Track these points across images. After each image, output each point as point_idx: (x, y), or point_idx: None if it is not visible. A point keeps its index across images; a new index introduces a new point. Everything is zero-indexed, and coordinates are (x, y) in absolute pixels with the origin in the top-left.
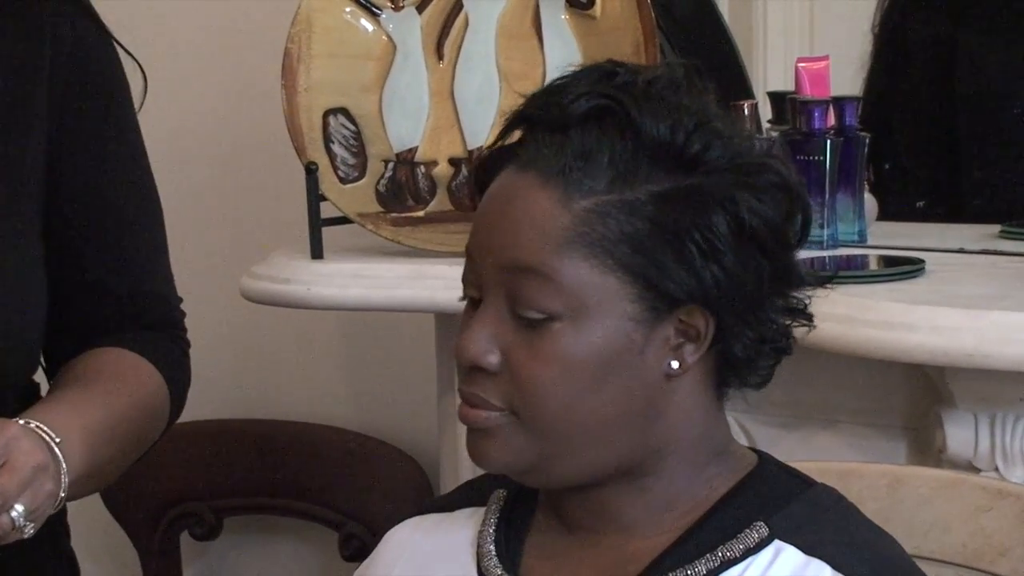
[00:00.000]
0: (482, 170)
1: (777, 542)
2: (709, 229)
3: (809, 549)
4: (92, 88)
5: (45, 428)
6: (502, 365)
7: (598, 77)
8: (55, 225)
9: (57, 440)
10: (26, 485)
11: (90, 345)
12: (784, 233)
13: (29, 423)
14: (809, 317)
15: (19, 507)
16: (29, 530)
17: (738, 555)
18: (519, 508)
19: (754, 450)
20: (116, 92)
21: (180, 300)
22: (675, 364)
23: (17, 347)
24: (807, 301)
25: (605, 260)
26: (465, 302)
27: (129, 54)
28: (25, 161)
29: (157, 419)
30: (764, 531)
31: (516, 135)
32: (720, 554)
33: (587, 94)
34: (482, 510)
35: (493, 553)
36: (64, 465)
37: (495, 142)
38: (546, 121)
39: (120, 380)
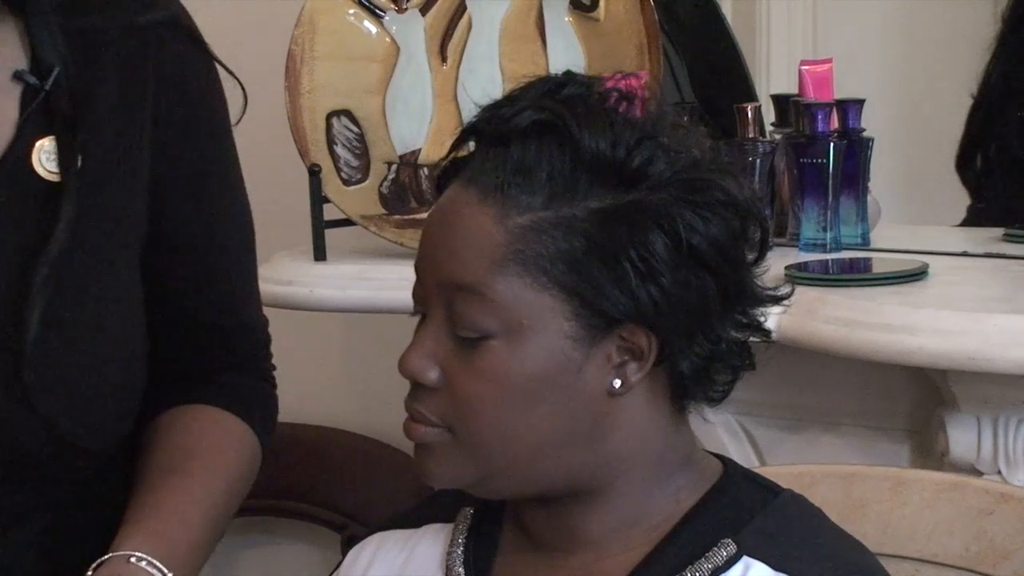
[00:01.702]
0: (439, 182)
1: (746, 559)
2: (645, 248)
3: (778, 564)
4: (194, 115)
5: (158, 565)
6: (441, 381)
7: (546, 90)
8: (153, 258)
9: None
10: None
11: (180, 389)
12: (732, 251)
13: (141, 560)
14: (767, 333)
15: None
16: None
17: (707, 575)
18: (486, 526)
19: (720, 457)
20: (217, 117)
21: (266, 322)
22: (617, 383)
23: (125, 393)
24: (762, 318)
25: (540, 278)
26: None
27: (231, 74)
28: (133, 196)
29: (248, 485)
30: (732, 548)
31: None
32: (689, 574)
33: (530, 108)
34: (449, 527)
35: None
36: None
37: (448, 154)
38: (490, 135)
39: (216, 460)
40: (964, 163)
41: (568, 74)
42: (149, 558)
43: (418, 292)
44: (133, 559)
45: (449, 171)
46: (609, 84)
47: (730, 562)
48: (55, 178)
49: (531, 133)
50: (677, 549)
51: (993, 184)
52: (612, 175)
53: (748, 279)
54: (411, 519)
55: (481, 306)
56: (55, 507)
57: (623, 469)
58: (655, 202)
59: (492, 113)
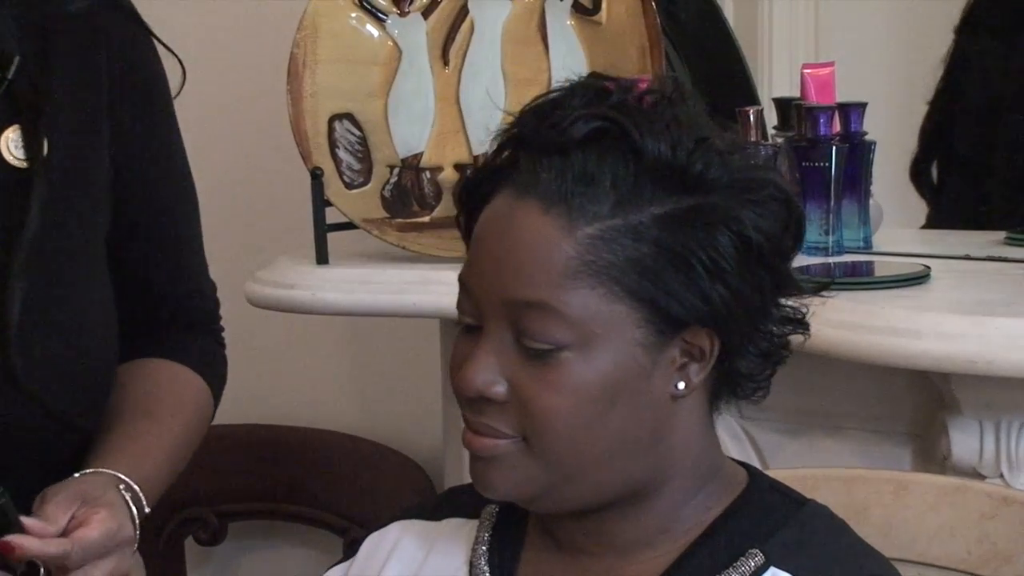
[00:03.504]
0: (471, 192)
1: (773, 569)
2: (715, 249)
3: (805, 575)
4: (143, 92)
5: (142, 498)
6: (509, 394)
7: (593, 96)
8: (114, 233)
9: (147, 511)
10: None
11: (138, 347)
12: (783, 245)
13: (128, 490)
14: (806, 326)
15: None
16: None
17: None
18: (511, 525)
19: (744, 465)
20: (161, 92)
21: (215, 287)
22: (681, 385)
23: (104, 365)
24: (804, 310)
25: (612, 287)
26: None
27: (169, 50)
28: (98, 181)
29: (201, 435)
30: (760, 559)
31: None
32: None
33: (585, 116)
34: (471, 523)
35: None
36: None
37: (487, 163)
38: (544, 144)
39: (178, 408)
40: (919, 173)
41: (605, 77)
42: (137, 489)
43: (468, 306)
44: (122, 487)
45: (486, 181)
46: (642, 86)
47: (758, 572)
48: (23, 165)
49: (591, 141)
50: (704, 557)
51: (951, 191)
52: (674, 179)
53: (790, 270)
54: (432, 510)
55: (554, 320)
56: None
57: (669, 475)
58: (719, 203)
59: (540, 122)
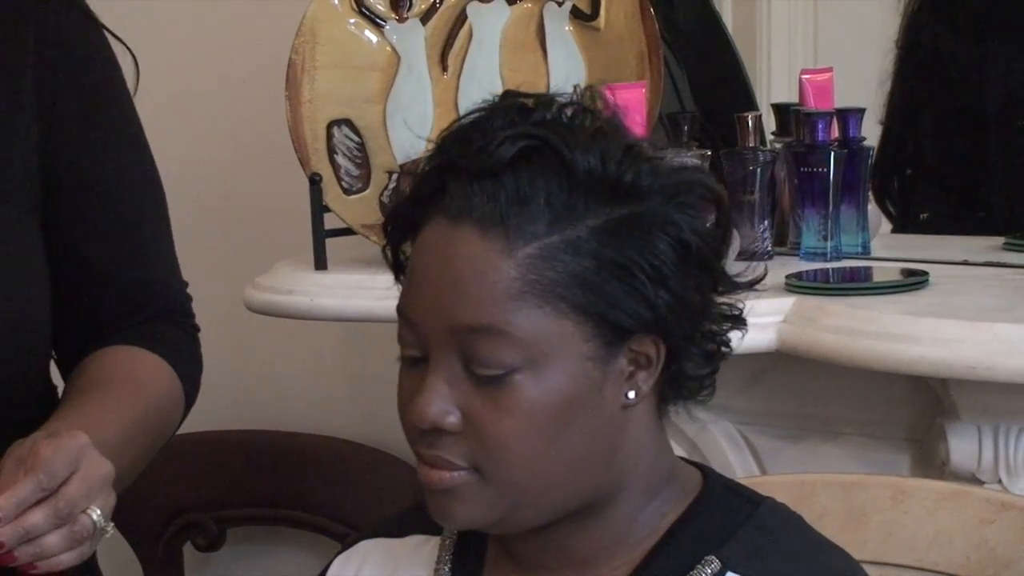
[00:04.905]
0: (398, 223)
1: (730, 575)
2: (654, 256)
3: None
4: (82, 75)
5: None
6: (462, 424)
7: (514, 115)
8: (54, 215)
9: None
10: (98, 492)
11: (98, 341)
12: (717, 243)
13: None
14: (743, 322)
15: (97, 510)
16: (111, 529)
17: None
18: (472, 542)
19: (698, 466)
20: (107, 77)
21: (185, 284)
22: (632, 394)
23: (25, 338)
24: (740, 306)
25: (558, 304)
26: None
27: (118, 39)
28: (13, 152)
29: (172, 420)
30: (716, 565)
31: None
32: None
33: (512, 136)
34: (433, 540)
35: None
36: None
37: (413, 193)
38: (473, 169)
39: (134, 385)
40: (884, 190)
41: (520, 93)
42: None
43: (411, 337)
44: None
45: (416, 211)
46: (560, 100)
47: None
48: None
49: (520, 161)
50: (661, 566)
51: (918, 203)
52: (607, 190)
53: (723, 267)
54: (395, 527)
55: (503, 343)
56: None
57: (624, 484)
58: (653, 210)
59: (465, 146)
